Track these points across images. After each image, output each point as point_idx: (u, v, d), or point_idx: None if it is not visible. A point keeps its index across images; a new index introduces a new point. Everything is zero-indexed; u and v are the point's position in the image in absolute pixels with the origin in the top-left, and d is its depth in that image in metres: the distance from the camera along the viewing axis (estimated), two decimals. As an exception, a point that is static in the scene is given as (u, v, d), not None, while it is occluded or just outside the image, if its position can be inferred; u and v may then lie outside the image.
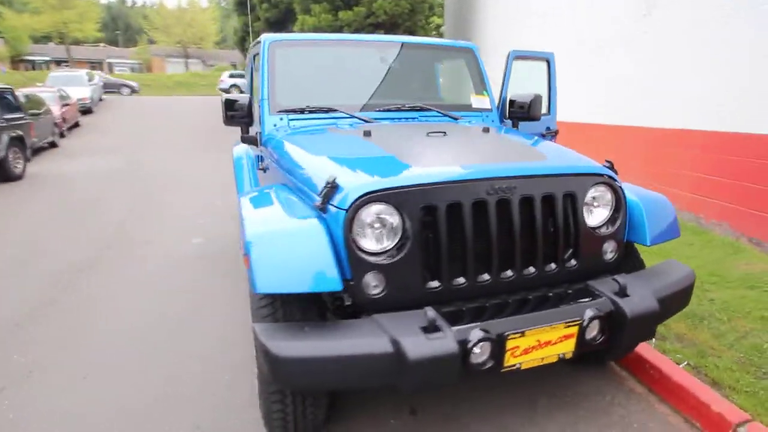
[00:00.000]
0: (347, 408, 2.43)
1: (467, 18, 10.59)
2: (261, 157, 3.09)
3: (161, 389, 2.62)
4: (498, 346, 1.77)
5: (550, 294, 2.08)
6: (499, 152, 2.43)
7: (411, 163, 2.02)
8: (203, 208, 6.38)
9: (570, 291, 2.10)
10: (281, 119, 2.99)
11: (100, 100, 21.31)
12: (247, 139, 3.07)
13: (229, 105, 2.91)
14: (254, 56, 3.77)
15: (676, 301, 2.16)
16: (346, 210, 1.79)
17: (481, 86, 3.54)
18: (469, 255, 1.93)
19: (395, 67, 3.62)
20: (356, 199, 1.80)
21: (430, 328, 1.70)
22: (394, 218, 1.86)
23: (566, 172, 2.12)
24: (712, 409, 2.23)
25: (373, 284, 1.84)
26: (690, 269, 2.30)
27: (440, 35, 15.05)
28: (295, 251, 1.76)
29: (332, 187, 1.87)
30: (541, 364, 1.89)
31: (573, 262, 2.13)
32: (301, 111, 3.02)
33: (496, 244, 1.95)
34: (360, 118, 2.99)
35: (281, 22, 16.79)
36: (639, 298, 1.97)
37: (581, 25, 6.84)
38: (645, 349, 2.71)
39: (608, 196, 2.20)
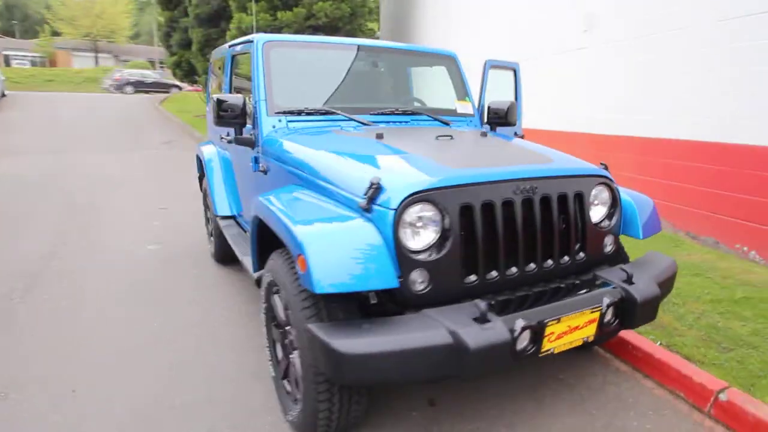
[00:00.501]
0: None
1: (404, 22, 10.91)
2: (257, 158, 3.03)
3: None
4: (538, 332, 1.92)
5: (563, 284, 2.29)
6: (515, 155, 2.61)
7: (447, 164, 2.13)
8: (150, 216, 6.04)
9: (578, 281, 2.32)
10: (279, 121, 2.97)
11: (3, 95, 19.25)
12: (242, 141, 3.01)
13: (220, 105, 2.85)
14: (232, 57, 3.69)
15: (668, 286, 2.46)
16: (396, 210, 1.87)
17: (463, 92, 3.73)
18: (501, 250, 2.07)
19: (383, 72, 3.72)
20: (404, 199, 1.88)
21: (482, 319, 1.82)
22: (436, 217, 1.95)
23: (576, 173, 2.33)
24: (694, 380, 2.55)
25: (419, 281, 1.93)
26: (671, 259, 2.61)
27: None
28: (352, 250, 1.80)
29: (377, 188, 1.93)
30: (569, 347, 2.08)
31: (581, 254, 2.34)
32: (299, 113, 3.02)
33: (522, 239, 2.12)
34: (359, 121, 3.05)
35: (213, 19, 16.16)
36: (644, 284, 2.23)
37: (522, 33, 7.33)
38: (624, 332, 3.02)
39: (606, 194, 2.45)
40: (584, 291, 2.20)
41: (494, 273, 2.08)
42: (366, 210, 1.94)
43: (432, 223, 1.96)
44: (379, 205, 1.92)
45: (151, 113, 19.14)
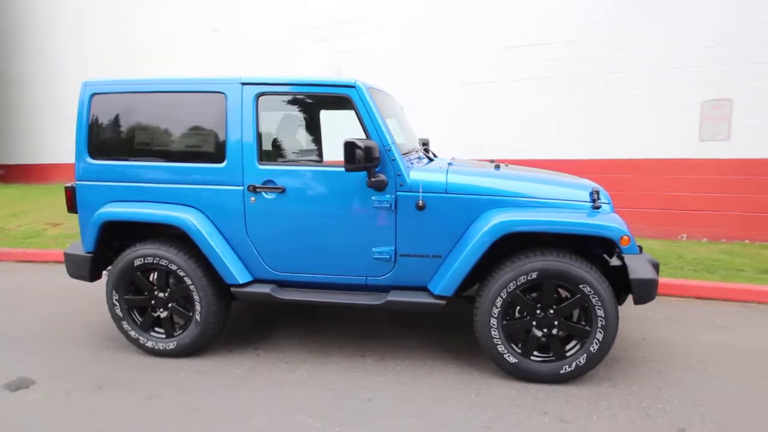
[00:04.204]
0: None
1: None
2: (397, 198, 3.00)
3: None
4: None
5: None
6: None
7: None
8: None
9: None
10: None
11: None
12: (379, 184, 2.92)
13: (354, 149, 2.77)
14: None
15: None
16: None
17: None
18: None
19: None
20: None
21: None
22: None
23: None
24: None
25: None
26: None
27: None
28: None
29: (597, 193, 2.99)
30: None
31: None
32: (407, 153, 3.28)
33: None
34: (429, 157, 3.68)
35: None
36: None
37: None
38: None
39: None
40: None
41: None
42: (596, 208, 2.95)
43: None
44: (603, 203, 3.00)
45: None
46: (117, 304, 3.29)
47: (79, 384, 3.00)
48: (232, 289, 3.18)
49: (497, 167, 3.30)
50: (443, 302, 2.97)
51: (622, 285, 2.91)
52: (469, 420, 2.59)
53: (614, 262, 3.06)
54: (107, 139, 3.31)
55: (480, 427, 2.53)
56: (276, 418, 2.62)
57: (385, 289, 3.12)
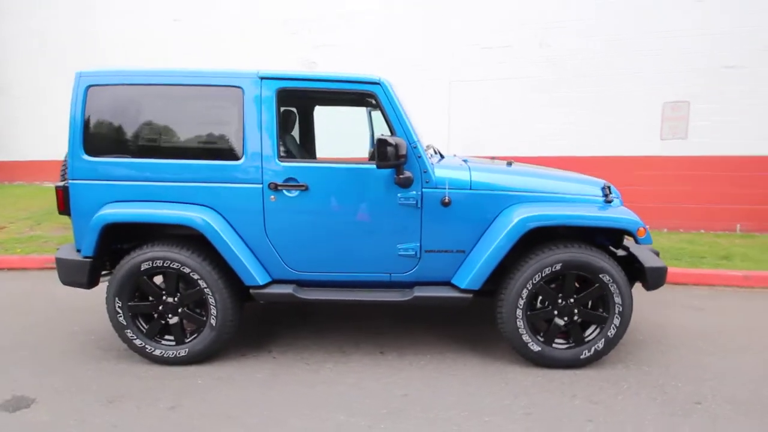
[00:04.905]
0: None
1: None
2: (423, 195, 3.01)
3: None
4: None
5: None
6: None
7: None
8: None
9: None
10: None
11: None
12: (407, 181, 2.92)
13: (385, 146, 2.76)
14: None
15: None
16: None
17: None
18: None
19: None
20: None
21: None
22: None
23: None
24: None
25: None
26: None
27: None
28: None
29: (609, 188, 3.16)
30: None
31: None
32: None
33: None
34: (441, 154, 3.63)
35: None
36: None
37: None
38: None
39: None
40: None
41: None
42: (609, 202, 3.12)
43: None
44: (613, 198, 3.15)
45: None
46: (120, 311, 3.07)
47: (85, 399, 2.78)
48: (251, 290, 3.07)
49: (509, 164, 3.42)
50: (470, 296, 3.03)
51: (629, 274, 3.11)
52: (508, 407, 2.67)
53: (620, 252, 3.27)
54: (106, 134, 3.08)
55: (520, 414, 2.62)
56: (317, 419, 2.57)
57: (409, 285, 3.14)
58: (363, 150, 4.87)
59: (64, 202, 3.14)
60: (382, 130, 4.14)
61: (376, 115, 3.71)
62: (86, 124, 3.04)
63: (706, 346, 3.42)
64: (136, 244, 3.12)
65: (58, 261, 3.16)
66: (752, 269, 4.79)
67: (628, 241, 3.25)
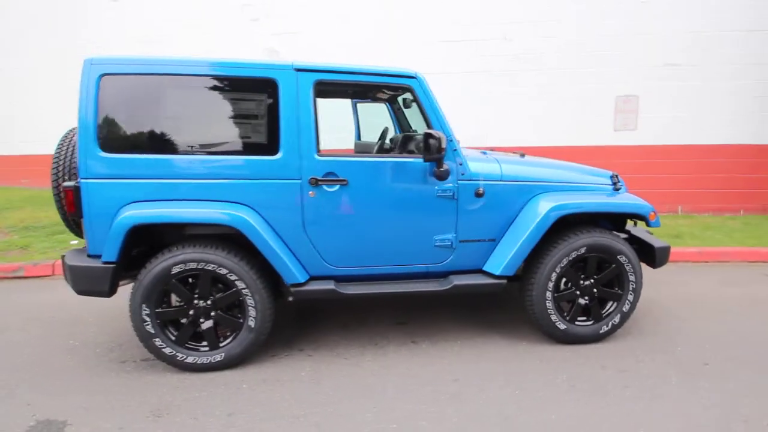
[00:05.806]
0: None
1: None
2: (458, 187, 3.11)
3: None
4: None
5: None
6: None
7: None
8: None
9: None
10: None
11: None
12: (445, 174, 2.99)
13: (429, 140, 2.86)
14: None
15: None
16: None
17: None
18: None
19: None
20: (621, 183, 3.54)
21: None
22: None
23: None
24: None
25: None
26: None
27: None
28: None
29: (617, 176, 3.44)
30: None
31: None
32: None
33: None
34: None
35: None
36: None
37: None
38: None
39: None
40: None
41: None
42: (617, 189, 3.43)
43: None
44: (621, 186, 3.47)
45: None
46: (147, 319, 2.87)
47: (126, 416, 2.58)
48: (292, 288, 3.00)
49: (522, 155, 3.62)
50: (504, 281, 3.20)
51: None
52: (552, 382, 2.88)
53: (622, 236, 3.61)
54: (125, 128, 2.84)
55: (565, 387, 2.84)
56: (386, 409, 2.61)
57: (444, 275, 3.24)
58: (349, 142, 4.86)
59: (74, 203, 2.85)
60: (396, 126, 4.17)
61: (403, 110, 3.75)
62: (100, 117, 2.78)
63: (689, 314, 3.88)
64: (150, 247, 2.95)
65: (72, 269, 2.87)
66: (701, 246, 5.47)
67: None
